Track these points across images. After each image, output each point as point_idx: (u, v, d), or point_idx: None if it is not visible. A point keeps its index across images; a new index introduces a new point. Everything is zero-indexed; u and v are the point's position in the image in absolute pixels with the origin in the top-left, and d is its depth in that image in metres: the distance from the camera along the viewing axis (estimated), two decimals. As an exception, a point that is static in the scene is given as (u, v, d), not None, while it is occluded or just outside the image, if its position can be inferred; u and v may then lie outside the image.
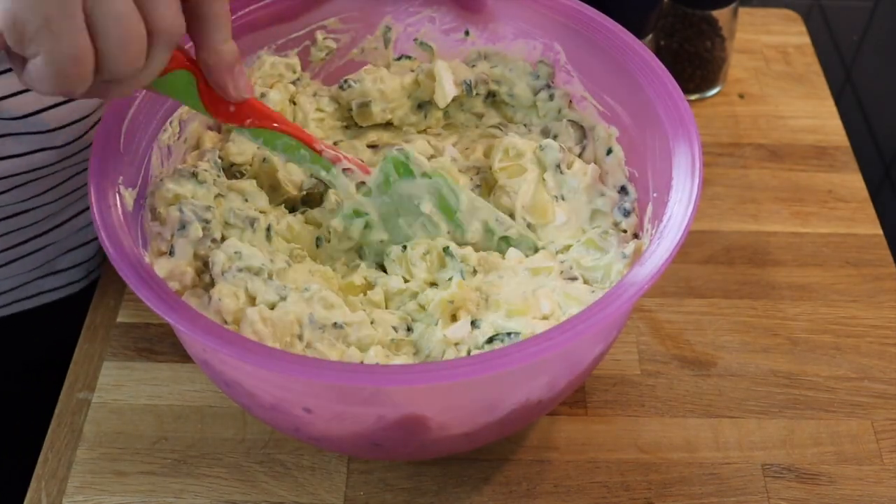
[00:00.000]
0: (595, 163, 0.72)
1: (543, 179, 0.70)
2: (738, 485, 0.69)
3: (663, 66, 0.66)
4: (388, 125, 0.76)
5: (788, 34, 1.06)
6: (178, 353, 0.76)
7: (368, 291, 0.66)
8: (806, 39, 1.06)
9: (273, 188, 0.71)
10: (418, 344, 0.63)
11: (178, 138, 0.68)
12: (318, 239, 0.68)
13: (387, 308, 0.66)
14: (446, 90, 0.74)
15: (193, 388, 0.74)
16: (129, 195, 0.61)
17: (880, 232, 0.86)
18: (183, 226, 0.63)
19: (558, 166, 0.70)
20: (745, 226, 0.86)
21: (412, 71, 0.77)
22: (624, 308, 0.53)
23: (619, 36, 0.69)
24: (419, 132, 0.76)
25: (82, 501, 0.68)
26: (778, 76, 1.01)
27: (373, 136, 0.75)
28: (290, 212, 0.70)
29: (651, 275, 0.54)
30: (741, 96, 0.99)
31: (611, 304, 0.53)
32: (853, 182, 0.91)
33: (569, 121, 0.73)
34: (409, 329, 0.64)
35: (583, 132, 0.73)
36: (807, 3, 2.01)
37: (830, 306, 0.80)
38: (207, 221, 0.63)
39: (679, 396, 0.74)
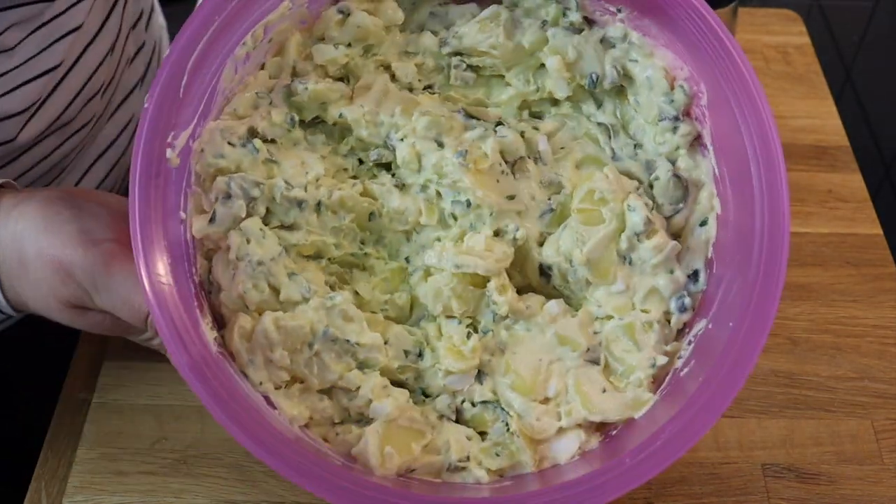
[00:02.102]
0: (685, 228, 0.65)
1: (618, 236, 0.64)
2: (738, 485, 0.69)
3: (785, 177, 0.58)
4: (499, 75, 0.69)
5: (788, 34, 1.06)
6: (178, 353, 0.76)
7: (394, 293, 0.65)
8: (806, 39, 1.06)
9: (342, 136, 0.67)
10: (422, 374, 0.63)
11: (262, 41, 0.63)
12: (371, 214, 0.65)
13: (411, 313, 0.65)
14: (557, 90, 0.67)
15: (193, 388, 0.74)
16: (184, 137, 0.58)
17: (880, 232, 0.86)
18: (228, 196, 0.61)
19: (637, 235, 0.63)
20: (745, 226, 0.86)
21: (543, 25, 0.66)
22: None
23: (759, 108, 0.59)
24: (526, 101, 0.68)
25: (82, 501, 0.68)
26: (778, 76, 1.01)
27: (479, 84, 0.69)
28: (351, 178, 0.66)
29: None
30: (741, 96, 0.99)
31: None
32: (853, 182, 0.90)
33: (674, 176, 0.64)
34: (419, 354, 0.63)
35: (683, 194, 0.65)
36: (807, 3, 2.01)
37: (830, 306, 0.80)
38: (254, 198, 0.61)
39: (679, 396, 0.74)
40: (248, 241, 0.61)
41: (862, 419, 0.73)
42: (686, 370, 0.60)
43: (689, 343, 0.62)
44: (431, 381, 0.63)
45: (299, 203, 0.62)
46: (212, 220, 0.61)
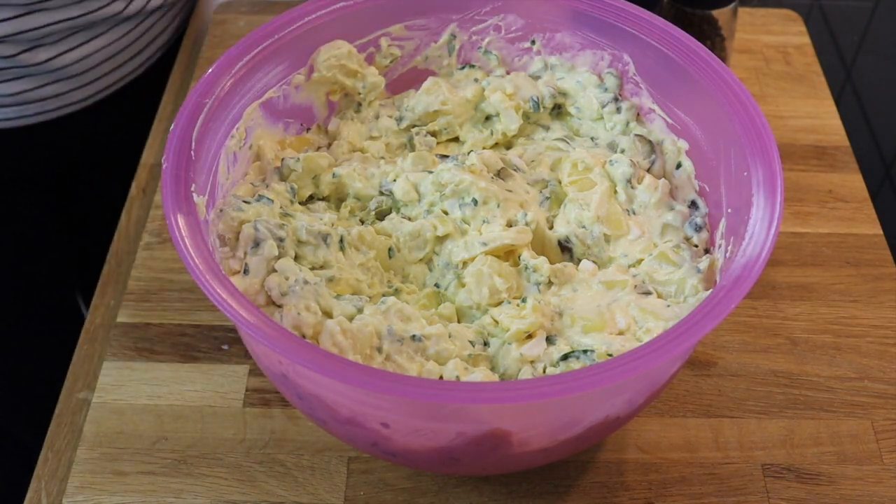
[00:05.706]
0: (664, 177, 0.71)
1: (615, 193, 0.70)
2: (738, 485, 0.69)
3: (738, 80, 0.65)
4: (455, 138, 0.77)
5: (788, 34, 1.06)
6: (178, 353, 0.76)
7: (439, 306, 0.66)
8: (806, 39, 1.06)
9: (341, 200, 0.71)
10: (495, 359, 0.63)
11: (244, 145, 0.68)
12: (389, 249, 0.68)
13: (459, 322, 0.65)
14: (509, 123, 0.74)
15: (193, 388, 0.74)
16: (201, 203, 0.60)
17: (880, 232, 0.86)
18: (257, 243, 0.63)
19: (629, 181, 0.70)
20: (745, 226, 0.86)
21: (476, 80, 0.76)
22: (711, 328, 0.53)
23: (690, 48, 0.68)
24: (485, 148, 0.75)
25: (82, 501, 0.68)
26: (778, 76, 1.01)
27: (440, 148, 0.75)
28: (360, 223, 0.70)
29: (738, 293, 0.54)
30: (741, 96, 0.99)
31: (698, 323, 0.53)
32: (853, 182, 0.91)
33: (636, 135, 0.73)
34: (485, 343, 0.63)
35: (651, 147, 0.72)
36: (807, 3, 2.01)
37: (830, 306, 0.80)
38: (281, 239, 0.63)
39: (679, 396, 0.74)
40: (287, 278, 0.62)
41: (862, 419, 0.73)
42: (729, 256, 0.62)
43: (722, 236, 0.65)
44: (505, 360, 0.62)
45: (325, 238, 0.65)
46: (245, 272, 0.62)
